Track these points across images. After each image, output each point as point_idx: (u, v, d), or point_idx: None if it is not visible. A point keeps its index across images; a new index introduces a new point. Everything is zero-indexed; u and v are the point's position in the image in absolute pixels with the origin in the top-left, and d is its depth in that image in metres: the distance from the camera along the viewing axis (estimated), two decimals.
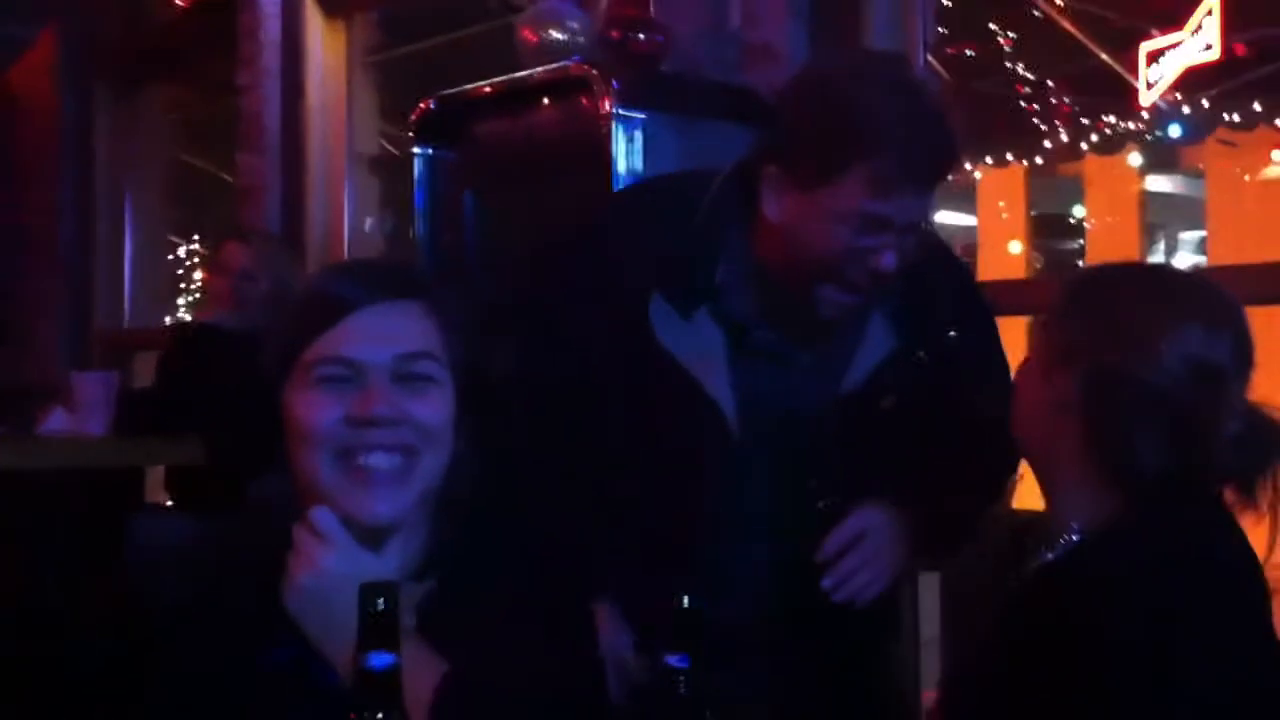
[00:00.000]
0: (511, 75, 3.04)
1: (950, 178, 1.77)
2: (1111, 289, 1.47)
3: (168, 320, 5.86)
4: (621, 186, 2.69)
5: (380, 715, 1.04)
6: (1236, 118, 7.98)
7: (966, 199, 10.27)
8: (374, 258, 1.43)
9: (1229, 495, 1.40)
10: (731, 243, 1.77)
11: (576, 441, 1.77)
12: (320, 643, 1.28)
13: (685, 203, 1.79)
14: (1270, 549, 1.37)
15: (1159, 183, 9.99)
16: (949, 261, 1.97)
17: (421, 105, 3.22)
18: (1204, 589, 1.31)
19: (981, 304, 1.94)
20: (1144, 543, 1.34)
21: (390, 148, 5.07)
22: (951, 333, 1.82)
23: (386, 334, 1.34)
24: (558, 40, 3.02)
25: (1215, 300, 1.43)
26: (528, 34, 3.05)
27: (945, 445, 1.79)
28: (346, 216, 4.38)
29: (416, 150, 3.22)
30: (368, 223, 4.51)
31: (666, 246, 1.76)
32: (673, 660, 1.03)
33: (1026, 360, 1.52)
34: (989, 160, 9.44)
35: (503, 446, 1.55)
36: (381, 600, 1.05)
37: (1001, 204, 10.15)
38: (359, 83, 4.55)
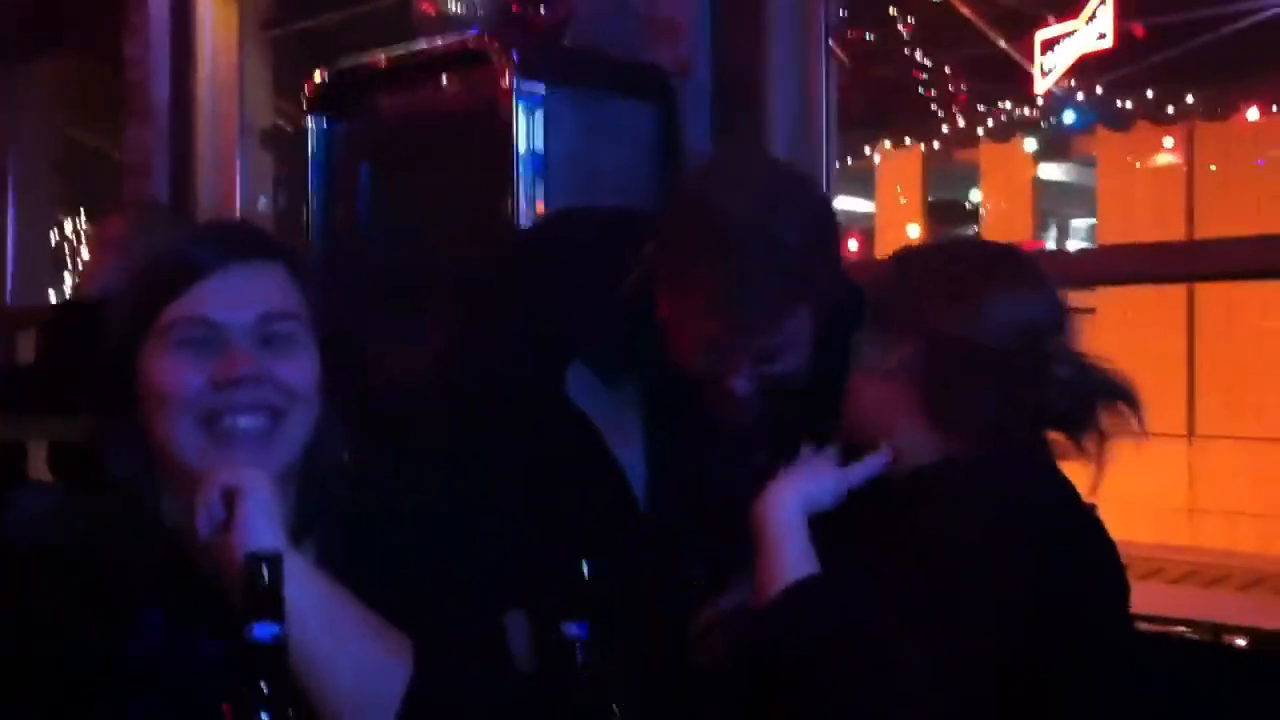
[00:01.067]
0: (409, 46, 2.98)
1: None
2: (935, 263, 1.58)
3: (52, 298, 5.69)
4: (547, 217, 2.59)
5: (264, 687, 1.01)
6: (1129, 105, 8.17)
7: (865, 184, 10.39)
8: (231, 219, 1.37)
9: (1057, 444, 1.50)
10: (649, 320, 1.69)
11: (474, 474, 1.70)
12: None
13: (611, 257, 1.74)
14: (1093, 489, 1.48)
15: (1052, 170, 10.20)
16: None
17: (315, 75, 3.15)
18: (1019, 510, 1.40)
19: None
20: (972, 469, 1.44)
21: (285, 125, 4.98)
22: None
23: (247, 295, 1.30)
24: (456, 13, 2.97)
25: (1027, 266, 1.55)
26: (425, 5, 2.99)
27: None
28: (238, 191, 4.29)
29: (310, 122, 3.14)
30: (260, 199, 4.41)
31: (592, 309, 1.72)
32: (571, 629, 1.01)
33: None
34: (887, 144, 9.57)
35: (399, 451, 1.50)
36: (266, 569, 1.02)
37: (899, 189, 10.28)
38: (252, 55, 4.46)
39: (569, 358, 1.71)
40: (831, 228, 1.69)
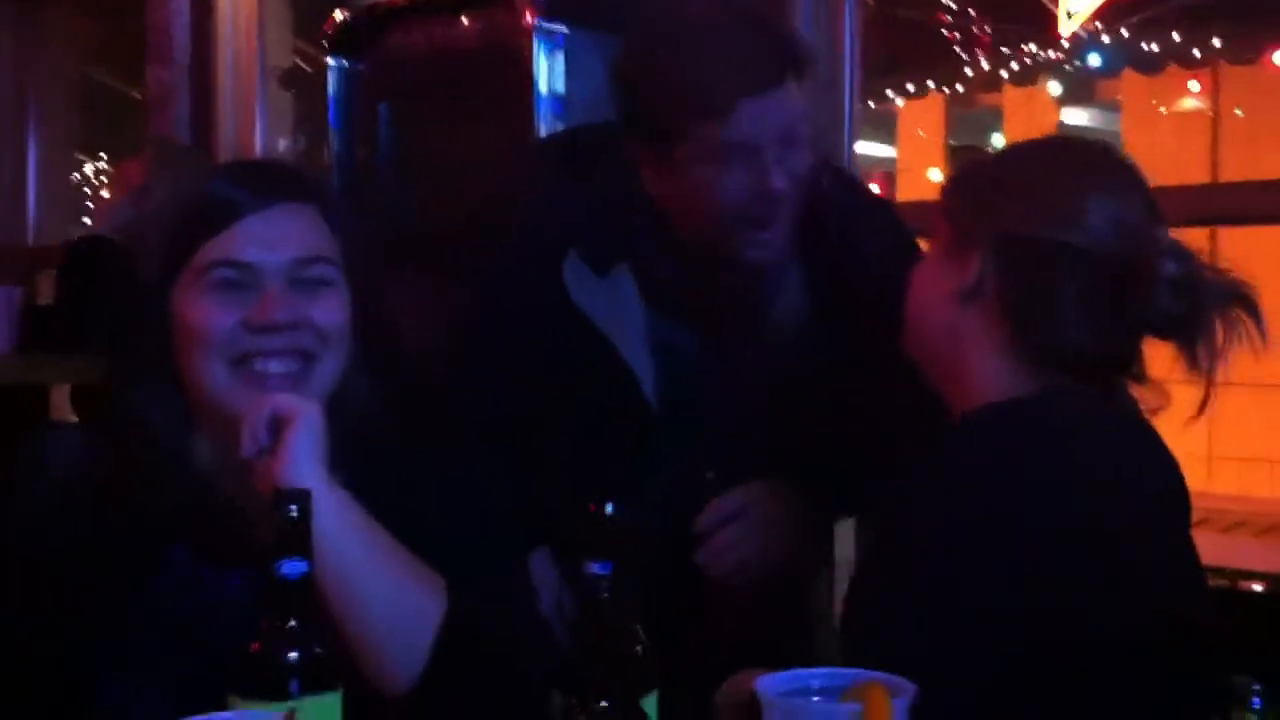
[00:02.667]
0: None
1: (800, 81, 1.61)
2: (1008, 163, 1.44)
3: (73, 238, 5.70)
4: (544, 130, 2.63)
5: (293, 623, 1.02)
6: (1155, 47, 8.06)
7: (887, 128, 10.31)
8: (264, 159, 1.37)
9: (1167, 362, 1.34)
10: (644, 202, 1.69)
11: (485, 395, 1.71)
12: None
13: (599, 160, 1.75)
14: (1201, 410, 1.33)
15: (1076, 115, 10.09)
16: (871, 206, 1.90)
17: (335, 16, 3.13)
18: (1087, 464, 1.28)
19: (907, 244, 1.84)
20: (1037, 413, 1.30)
21: (305, 65, 4.96)
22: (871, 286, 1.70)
23: (281, 237, 1.31)
24: None
25: (1114, 159, 1.39)
26: None
27: (863, 426, 1.70)
28: (258, 132, 4.28)
29: (330, 63, 3.13)
30: (280, 141, 4.40)
31: (581, 203, 1.72)
32: (595, 567, 1.02)
33: (921, 259, 1.47)
34: (910, 88, 9.47)
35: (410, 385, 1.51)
36: (294, 507, 1.04)
37: (921, 133, 10.20)
38: None
39: (563, 253, 1.69)
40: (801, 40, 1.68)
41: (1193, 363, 1.31)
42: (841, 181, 1.81)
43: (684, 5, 1.67)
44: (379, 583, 1.23)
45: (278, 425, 1.23)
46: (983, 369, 1.34)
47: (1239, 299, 1.31)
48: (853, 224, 1.74)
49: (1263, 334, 1.30)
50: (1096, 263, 1.30)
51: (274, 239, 1.30)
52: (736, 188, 1.59)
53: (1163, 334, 1.33)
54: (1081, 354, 1.32)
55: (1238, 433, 7.89)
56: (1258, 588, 2.23)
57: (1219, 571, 2.33)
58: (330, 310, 1.32)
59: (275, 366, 1.29)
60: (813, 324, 1.74)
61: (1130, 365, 1.36)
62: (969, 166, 1.46)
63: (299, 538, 1.03)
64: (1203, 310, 1.30)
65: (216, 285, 1.28)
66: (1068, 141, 1.46)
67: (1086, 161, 1.38)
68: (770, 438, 1.72)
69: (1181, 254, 1.32)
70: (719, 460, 1.71)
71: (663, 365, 1.71)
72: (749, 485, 1.69)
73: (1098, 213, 1.31)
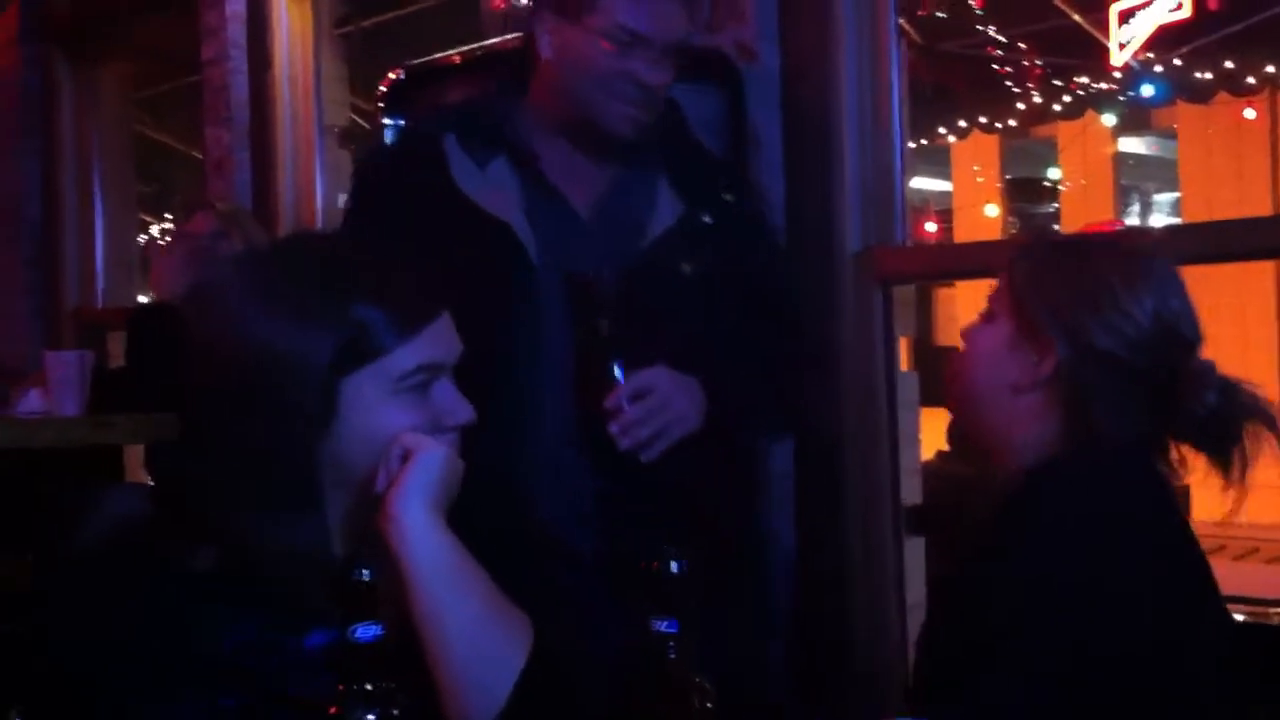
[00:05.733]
0: (480, 43, 3.00)
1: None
2: (1081, 263, 1.49)
3: (141, 299, 5.79)
4: None
5: (369, 685, 1.03)
6: (1208, 75, 8.00)
7: (941, 163, 10.28)
8: (400, 275, 1.43)
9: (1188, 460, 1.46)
10: (519, 99, 1.96)
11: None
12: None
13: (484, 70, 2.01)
14: (1235, 510, 1.44)
15: (1132, 144, 10.02)
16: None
17: (390, 75, 3.18)
18: (1122, 536, 1.37)
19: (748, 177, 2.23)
20: (1084, 480, 1.41)
21: (361, 121, 5.02)
22: (728, 197, 2.01)
23: (447, 337, 1.38)
24: (524, 5, 2.99)
25: (1173, 275, 1.47)
26: (495, 1, 3.02)
27: (733, 321, 1.94)
28: (319, 190, 4.34)
29: (386, 121, 3.18)
30: (340, 196, 4.45)
31: (462, 101, 2.02)
32: (662, 626, 1.02)
33: (976, 332, 1.53)
34: (961, 124, 9.45)
35: None
36: (365, 571, 1.05)
37: (976, 168, 10.16)
38: (327, 54, 4.49)
39: (445, 139, 1.92)
40: None
41: (1226, 469, 1.43)
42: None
43: None
44: (464, 622, 1.26)
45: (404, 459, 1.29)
46: (1027, 443, 1.46)
47: (1265, 417, 1.43)
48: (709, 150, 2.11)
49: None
50: (1154, 373, 1.41)
51: (441, 343, 1.36)
52: (622, 70, 1.86)
53: (1197, 444, 1.44)
54: (1122, 446, 1.43)
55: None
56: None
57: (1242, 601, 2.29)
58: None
59: None
60: (684, 234, 1.94)
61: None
62: (1038, 255, 1.52)
63: (370, 600, 1.05)
64: (1237, 426, 1.42)
65: (399, 391, 1.32)
66: (1132, 249, 1.52)
67: (1152, 271, 1.47)
68: (653, 329, 1.88)
69: (1216, 376, 1.43)
70: (610, 318, 1.85)
71: (544, 245, 1.89)
72: (652, 368, 1.83)
73: (1157, 326, 1.42)
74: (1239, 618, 2.10)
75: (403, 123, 3.14)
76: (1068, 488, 1.40)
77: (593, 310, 1.82)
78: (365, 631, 1.03)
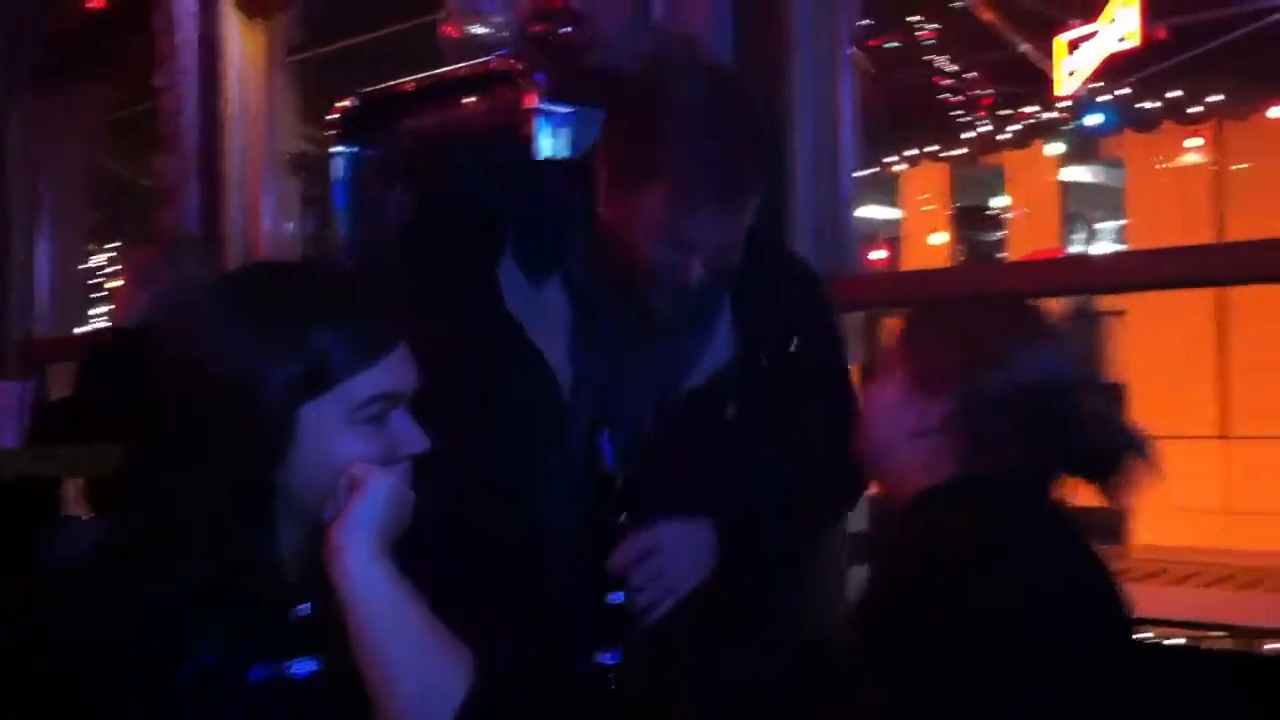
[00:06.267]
0: (434, 71, 3.01)
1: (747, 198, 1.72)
2: (968, 317, 1.63)
3: (85, 329, 5.72)
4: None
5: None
6: (1154, 105, 8.12)
7: (890, 191, 10.37)
8: (362, 301, 1.41)
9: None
10: (581, 218, 1.76)
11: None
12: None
13: (542, 177, 1.84)
14: (1118, 538, 1.53)
15: (1078, 172, 10.14)
16: (803, 274, 2.00)
17: (343, 102, 3.18)
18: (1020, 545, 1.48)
19: (830, 320, 2.00)
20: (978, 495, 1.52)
21: (312, 149, 5.00)
22: (795, 343, 1.86)
23: (406, 364, 1.37)
24: (480, 35, 2.99)
25: (1054, 325, 1.60)
26: (450, 29, 3.02)
27: (781, 461, 1.82)
28: (266, 217, 4.32)
29: (338, 148, 3.17)
30: (288, 225, 4.44)
31: (521, 212, 1.79)
32: (605, 658, 1.02)
33: (874, 387, 1.65)
34: (911, 152, 9.54)
35: None
36: (305, 606, 1.04)
37: (924, 196, 10.25)
38: (279, 82, 4.48)
39: (500, 255, 1.76)
40: (767, 116, 1.78)
41: (1110, 499, 1.54)
42: (777, 253, 1.95)
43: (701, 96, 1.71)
44: (407, 655, 1.26)
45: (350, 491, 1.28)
46: (923, 480, 1.56)
47: (1142, 451, 1.54)
48: (786, 291, 1.88)
49: (1158, 476, 1.54)
50: (1038, 415, 1.52)
51: (400, 371, 1.35)
52: (661, 261, 1.68)
53: (1081, 475, 1.54)
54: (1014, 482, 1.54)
55: (1256, 487, 7.85)
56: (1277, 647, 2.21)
57: (1236, 631, 2.32)
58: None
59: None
60: (736, 376, 1.82)
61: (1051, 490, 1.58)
62: (925, 317, 1.67)
63: (309, 636, 1.04)
64: (1119, 460, 1.53)
65: (356, 421, 1.31)
66: (1005, 304, 1.69)
67: (1035, 323, 1.60)
68: (690, 469, 1.77)
69: (1102, 414, 1.55)
70: (634, 476, 1.73)
71: (582, 372, 1.77)
72: (663, 523, 1.71)
73: (1038, 370, 1.54)
74: (1177, 641, 2.13)
75: (351, 148, 3.15)
76: (941, 511, 1.50)
77: (609, 467, 1.68)
78: (301, 667, 1.02)
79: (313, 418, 1.30)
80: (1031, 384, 1.54)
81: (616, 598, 1.05)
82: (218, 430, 1.29)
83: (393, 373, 1.33)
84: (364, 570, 1.24)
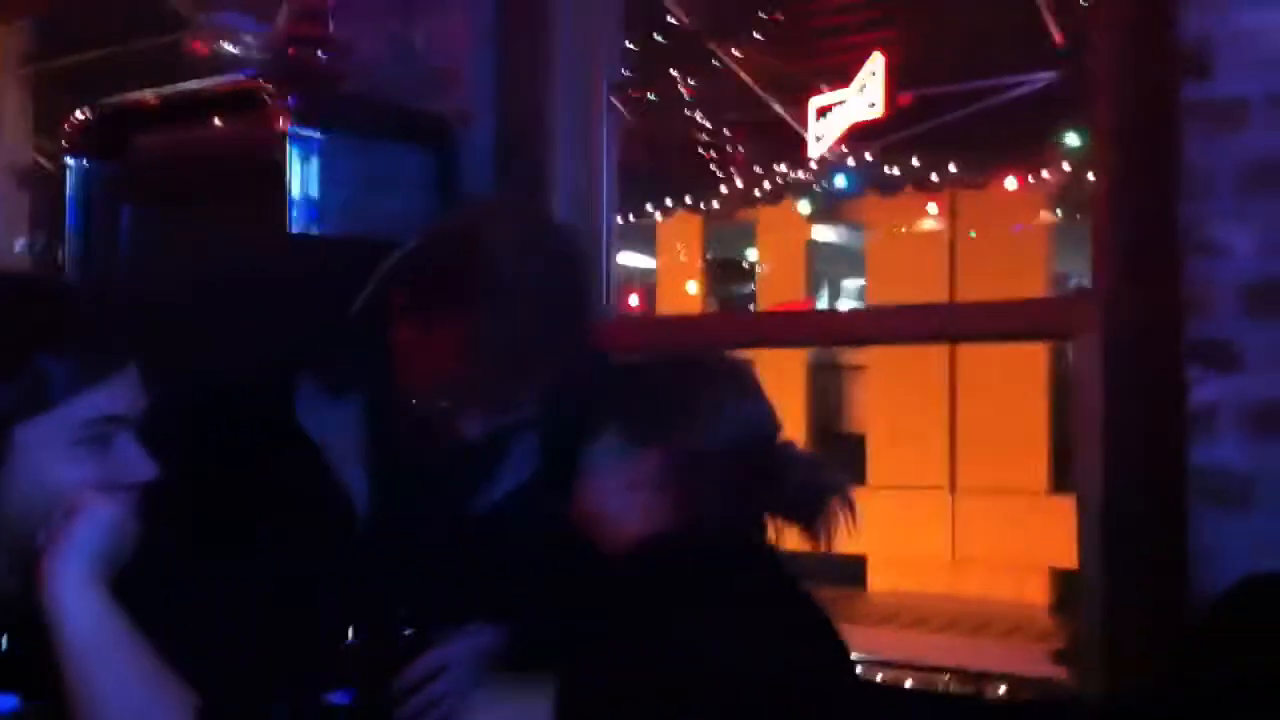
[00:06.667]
0: (179, 86, 2.88)
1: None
2: (672, 376, 1.72)
3: None
4: (293, 236, 2.57)
5: None
6: (896, 171, 8.51)
7: (647, 240, 10.54)
8: (82, 316, 1.32)
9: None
10: (381, 342, 1.69)
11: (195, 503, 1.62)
12: None
13: (350, 280, 1.72)
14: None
15: (825, 232, 10.53)
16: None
17: (77, 113, 3.01)
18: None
19: None
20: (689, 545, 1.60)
21: (46, 163, 4.76)
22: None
23: (132, 387, 1.31)
24: (230, 54, 2.89)
25: (750, 379, 1.73)
26: (197, 46, 2.91)
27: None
28: None
29: (70, 161, 3.00)
30: (17, 241, 4.19)
31: (326, 327, 1.70)
32: (336, 697, 0.97)
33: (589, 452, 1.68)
34: (668, 203, 9.73)
35: None
36: (4, 637, 0.97)
37: (679, 246, 10.46)
38: (10, 92, 4.25)
39: (299, 377, 1.69)
40: (587, 284, 1.73)
41: (814, 537, 1.64)
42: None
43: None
44: (123, 696, 1.19)
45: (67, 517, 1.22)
46: (642, 532, 1.62)
47: (844, 491, 1.65)
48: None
49: (854, 518, 1.65)
50: (737, 467, 1.62)
51: (125, 393, 1.30)
52: (434, 400, 1.64)
53: (788, 518, 1.64)
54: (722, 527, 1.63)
55: (981, 537, 8.24)
56: (1002, 689, 2.30)
57: (964, 674, 2.41)
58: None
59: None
60: (532, 496, 1.79)
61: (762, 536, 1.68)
62: (634, 373, 1.77)
63: (13, 670, 0.96)
64: (822, 502, 1.63)
65: (77, 442, 1.25)
66: (713, 362, 1.77)
67: (728, 380, 1.71)
68: (480, 587, 1.74)
69: (803, 461, 1.66)
70: (421, 593, 1.69)
71: (376, 490, 1.72)
72: (450, 643, 1.67)
73: (737, 424, 1.65)
74: (907, 683, 2.20)
75: (85, 163, 2.99)
76: (662, 559, 1.57)
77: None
78: (3, 704, 0.95)
79: (28, 439, 1.22)
80: (739, 435, 1.65)
81: (354, 640, 1.01)
82: None
83: (117, 396, 1.27)
84: (76, 597, 1.17)
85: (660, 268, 10.80)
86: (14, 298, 1.33)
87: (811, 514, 1.64)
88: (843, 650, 1.63)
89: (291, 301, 1.72)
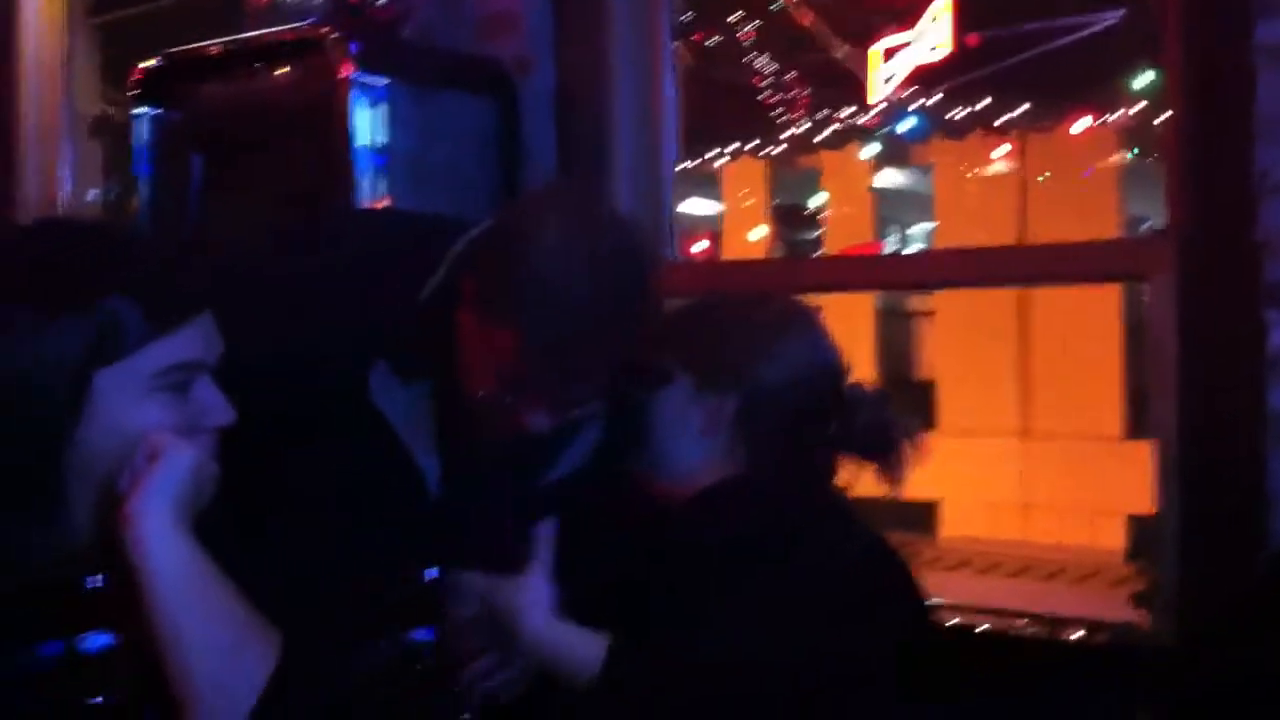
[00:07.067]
0: (242, 35, 2.90)
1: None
2: (742, 317, 1.71)
3: None
4: (354, 216, 2.50)
5: (99, 699, 0.97)
6: (964, 113, 8.39)
7: (712, 186, 10.48)
8: (155, 267, 1.33)
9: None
10: (450, 328, 1.66)
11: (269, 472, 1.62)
12: None
13: (426, 263, 1.70)
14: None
15: (892, 176, 10.42)
16: None
17: (144, 64, 3.03)
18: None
19: None
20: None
21: (114, 114, 4.82)
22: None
23: (209, 334, 1.30)
24: (290, 2, 2.89)
25: (814, 319, 1.73)
26: None
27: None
28: (66, 182, 4.13)
29: (139, 111, 3.03)
30: (89, 191, 4.25)
31: (400, 313, 1.68)
32: (417, 635, 0.98)
33: (655, 398, 1.67)
34: (731, 149, 9.66)
35: None
36: (96, 578, 0.99)
37: (744, 191, 10.39)
38: (80, 43, 4.29)
39: (374, 359, 1.68)
40: (649, 283, 1.66)
41: (883, 476, 1.65)
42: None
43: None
44: (207, 634, 1.20)
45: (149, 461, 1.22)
46: (714, 479, 1.63)
47: (910, 429, 1.67)
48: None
49: (922, 456, 1.67)
50: (813, 402, 1.64)
51: (203, 339, 1.29)
52: (496, 394, 1.61)
53: (860, 456, 1.65)
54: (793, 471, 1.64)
55: (1051, 483, 8.17)
56: (1078, 634, 2.29)
57: (1039, 619, 2.39)
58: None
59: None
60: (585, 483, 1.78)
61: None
62: (693, 318, 1.74)
63: (100, 609, 0.98)
64: (887, 436, 1.65)
65: (156, 389, 1.25)
66: (781, 304, 1.77)
67: (798, 318, 1.72)
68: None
69: (871, 397, 1.68)
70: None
71: (447, 476, 1.72)
72: (516, 597, 1.63)
73: (812, 363, 1.67)
74: (983, 627, 2.19)
75: (153, 113, 3.02)
76: (738, 504, 1.58)
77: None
78: (93, 642, 0.96)
79: (106, 386, 1.23)
80: (807, 373, 1.65)
81: (432, 574, 1.02)
82: (6, 401, 1.20)
83: (194, 341, 1.28)
84: (160, 540, 1.18)
85: (725, 214, 10.75)
86: (84, 240, 1.34)
87: (882, 452, 1.65)
88: (916, 592, 1.62)
89: (365, 280, 1.70)
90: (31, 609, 1.19)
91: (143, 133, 3.04)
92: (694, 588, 1.50)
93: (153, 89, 3.03)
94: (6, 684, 1.19)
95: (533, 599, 1.56)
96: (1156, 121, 6.88)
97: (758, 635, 1.46)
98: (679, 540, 1.60)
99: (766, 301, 1.78)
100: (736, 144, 9.54)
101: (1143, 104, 7.61)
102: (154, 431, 1.23)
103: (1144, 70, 7.39)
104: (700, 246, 10.43)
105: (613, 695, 1.47)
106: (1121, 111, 7.94)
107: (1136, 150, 8.14)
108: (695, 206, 10.61)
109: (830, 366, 1.69)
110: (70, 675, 0.98)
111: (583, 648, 1.52)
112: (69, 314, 1.22)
